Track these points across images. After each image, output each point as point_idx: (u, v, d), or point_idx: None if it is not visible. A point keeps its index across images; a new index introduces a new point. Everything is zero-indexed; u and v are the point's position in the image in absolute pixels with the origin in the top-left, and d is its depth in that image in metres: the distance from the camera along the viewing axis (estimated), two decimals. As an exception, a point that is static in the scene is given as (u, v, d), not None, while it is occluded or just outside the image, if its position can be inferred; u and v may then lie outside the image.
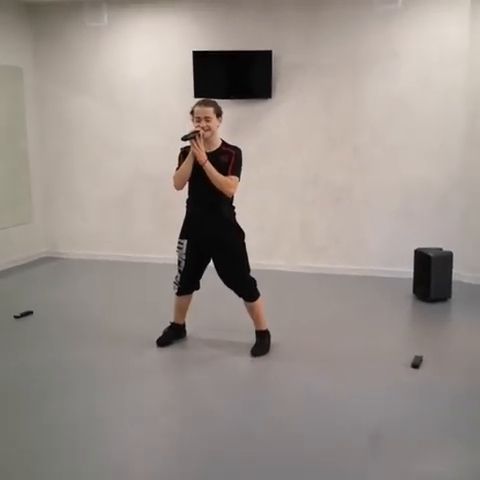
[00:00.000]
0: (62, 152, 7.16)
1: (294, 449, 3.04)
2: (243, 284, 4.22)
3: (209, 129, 3.98)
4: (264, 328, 4.34)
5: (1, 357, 4.25)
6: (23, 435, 3.18)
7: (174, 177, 4.12)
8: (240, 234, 4.21)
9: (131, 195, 7.00)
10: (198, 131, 3.95)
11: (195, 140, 3.94)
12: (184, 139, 3.96)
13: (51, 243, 7.39)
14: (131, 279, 6.41)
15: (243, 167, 4.14)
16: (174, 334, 4.46)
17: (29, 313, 5.10)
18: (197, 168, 4.00)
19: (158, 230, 6.81)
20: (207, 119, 3.97)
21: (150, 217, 6.95)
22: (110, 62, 6.81)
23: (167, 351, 4.33)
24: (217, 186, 3.97)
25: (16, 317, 5.00)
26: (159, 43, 6.63)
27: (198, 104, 4.07)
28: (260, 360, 4.17)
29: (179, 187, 4.13)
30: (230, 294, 4.29)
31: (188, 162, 4.02)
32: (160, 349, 4.33)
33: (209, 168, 3.95)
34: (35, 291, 5.89)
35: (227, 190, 4.00)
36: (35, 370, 4.02)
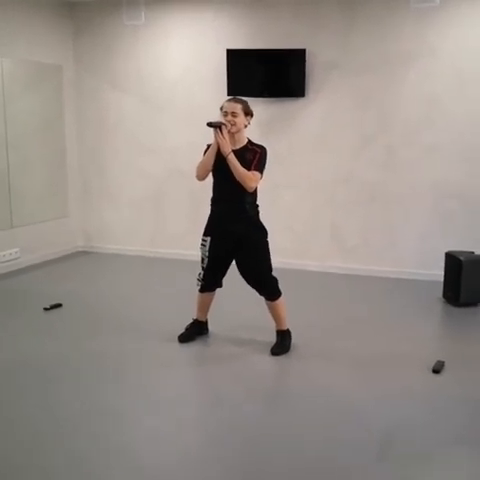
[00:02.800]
0: (98, 148, 7.30)
1: (304, 448, 3.04)
2: (265, 282, 4.22)
3: (234, 124, 4.00)
4: (285, 328, 4.33)
5: (25, 345, 4.37)
6: (36, 419, 3.27)
7: (197, 167, 4.15)
8: (263, 232, 4.21)
9: (165, 192, 7.07)
10: (224, 123, 4.00)
11: (221, 130, 3.98)
12: (209, 125, 4.00)
13: (86, 237, 7.54)
14: (161, 275, 6.48)
15: (269, 165, 4.16)
16: (196, 330, 4.50)
17: (58, 305, 5.21)
18: (221, 165, 4.03)
19: (190, 227, 6.85)
20: (233, 114, 4.01)
21: (183, 214, 7.00)
22: (147, 60, 6.89)
23: (188, 347, 4.37)
24: (239, 179, 3.98)
25: (46, 309, 5.13)
26: (195, 42, 6.67)
27: (228, 100, 4.15)
28: (280, 359, 4.17)
29: (201, 177, 4.16)
30: (253, 293, 4.30)
31: (211, 152, 4.06)
32: (181, 344, 4.38)
33: (232, 160, 3.96)
34: (67, 284, 6.02)
35: (248, 184, 4.00)
36: (55, 359, 4.11)
